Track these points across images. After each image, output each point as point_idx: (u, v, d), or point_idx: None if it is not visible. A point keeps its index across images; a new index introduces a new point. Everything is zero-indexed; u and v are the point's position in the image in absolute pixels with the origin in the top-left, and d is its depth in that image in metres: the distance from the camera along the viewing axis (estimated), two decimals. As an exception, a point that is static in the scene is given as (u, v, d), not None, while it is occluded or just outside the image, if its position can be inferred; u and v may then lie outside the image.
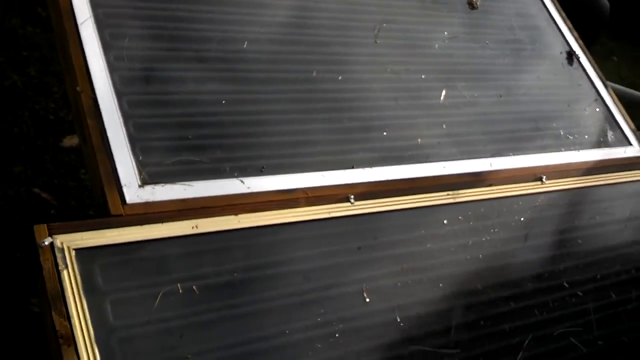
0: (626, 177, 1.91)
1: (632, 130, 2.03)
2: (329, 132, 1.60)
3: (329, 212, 1.46)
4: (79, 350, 1.09)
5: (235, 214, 1.35)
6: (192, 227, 1.30)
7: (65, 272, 1.14)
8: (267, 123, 1.54)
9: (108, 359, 1.11)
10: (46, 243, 1.16)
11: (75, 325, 1.11)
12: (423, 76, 1.82)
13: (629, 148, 2.00)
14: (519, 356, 1.45)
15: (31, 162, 2.59)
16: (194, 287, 1.24)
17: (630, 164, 1.96)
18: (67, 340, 1.09)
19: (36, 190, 2.50)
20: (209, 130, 1.46)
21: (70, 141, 2.76)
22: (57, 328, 1.10)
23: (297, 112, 1.60)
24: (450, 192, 1.62)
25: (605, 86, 2.10)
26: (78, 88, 1.35)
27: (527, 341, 1.48)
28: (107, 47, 1.44)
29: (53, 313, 1.11)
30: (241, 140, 1.48)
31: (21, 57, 3.08)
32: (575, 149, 1.90)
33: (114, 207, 1.26)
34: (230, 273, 1.29)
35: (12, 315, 2.02)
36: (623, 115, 2.05)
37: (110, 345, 1.12)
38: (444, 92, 1.81)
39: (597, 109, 2.04)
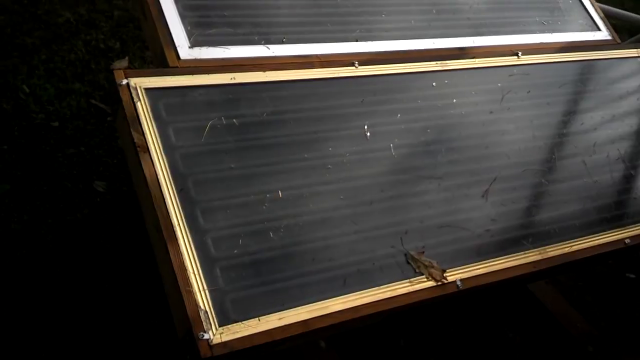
0: (593, 56, 2.24)
1: (602, 19, 2.35)
2: (337, 15, 1.96)
3: (338, 73, 1.83)
4: (152, 157, 1.48)
5: (263, 71, 1.73)
6: (231, 78, 1.68)
7: (139, 103, 1.54)
8: (286, 6, 1.90)
9: (174, 167, 1.50)
10: (124, 83, 1.55)
11: (148, 140, 1.50)
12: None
13: (597, 33, 2.33)
14: (489, 187, 1.81)
15: (88, 81, 3.00)
16: (234, 121, 1.63)
17: (599, 46, 2.29)
18: (143, 148, 1.49)
19: (93, 101, 2.90)
20: (242, 10, 1.84)
21: (120, 64, 3.14)
22: (136, 140, 1.49)
23: (311, -1, 1.97)
24: (439, 62, 1.98)
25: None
26: (138, -26, 1.73)
27: (495, 178, 1.84)
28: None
29: (132, 131, 1.50)
30: (267, 19, 1.86)
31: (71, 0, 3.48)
32: (549, 33, 2.24)
33: (172, 61, 1.64)
34: (261, 114, 1.68)
35: (81, 193, 2.44)
36: (594, 6, 2.37)
37: (175, 157, 1.52)
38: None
39: (570, 1, 2.36)
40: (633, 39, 3.24)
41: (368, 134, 1.75)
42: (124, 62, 3.19)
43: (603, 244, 1.83)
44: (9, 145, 2.52)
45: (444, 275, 1.58)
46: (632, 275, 2.71)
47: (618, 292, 2.60)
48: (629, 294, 2.62)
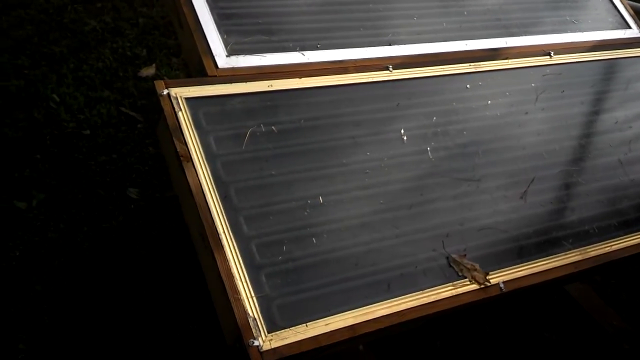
0: (625, 54, 2.23)
1: (632, 16, 2.34)
2: (369, 19, 1.97)
3: (373, 77, 1.83)
4: (195, 166, 1.50)
5: (299, 77, 1.74)
6: (268, 86, 1.69)
7: (180, 113, 1.55)
8: (318, 12, 1.91)
9: (216, 175, 1.51)
10: (164, 93, 1.56)
11: (191, 149, 1.51)
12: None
13: (628, 30, 2.32)
14: (527, 188, 1.80)
15: (117, 88, 3.02)
16: (273, 128, 1.64)
17: (629, 44, 2.28)
18: (186, 157, 1.50)
19: (123, 109, 2.92)
20: (275, 17, 1.85)
21: (147, 71, 3.18)
22: (179, 150, 1.50)
23: (343, 4, 1.97)
24: (472, 64, 1.98)
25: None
26: (174, -16, 1.74)
27: (533, 179, 1.83)
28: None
29: (175, 140, 1.51)
30: (300, 25, 1.86)
31: (96, 8, 3.50)
32: (579, 31, 2.23)
33: (210, 70, 1.65)
34: (298, 120, 1.68)
35: (114, 201, 2.46)
36: (623, 3, 2.35)
37: (217, 165, 1.53)
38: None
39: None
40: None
41: (405, 137, 1.76)
42: (151, 69, 3.22)
43: (643, 242, 1.81)
44: (41, 155, 2.55)
45: (487, 277, 1.57)
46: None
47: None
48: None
